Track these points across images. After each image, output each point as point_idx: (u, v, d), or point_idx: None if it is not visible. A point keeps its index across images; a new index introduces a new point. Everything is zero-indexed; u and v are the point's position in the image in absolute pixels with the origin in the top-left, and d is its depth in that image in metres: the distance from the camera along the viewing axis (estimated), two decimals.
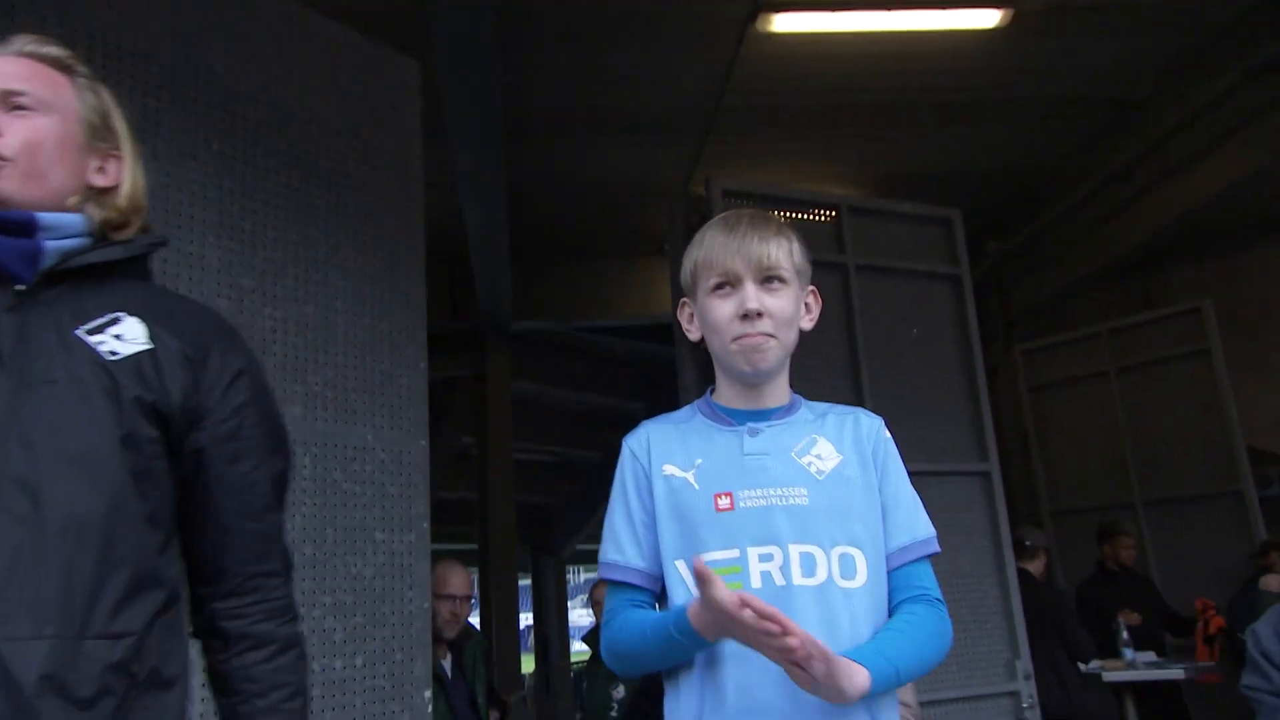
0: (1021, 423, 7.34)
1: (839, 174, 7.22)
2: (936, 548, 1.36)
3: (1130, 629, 4.62)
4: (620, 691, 4.18)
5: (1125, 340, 6.62)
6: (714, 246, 1.33)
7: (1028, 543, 4.48)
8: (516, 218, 6.81)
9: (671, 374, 3.85)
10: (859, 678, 1.14)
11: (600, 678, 4.23)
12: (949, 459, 3.96)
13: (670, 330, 4.08)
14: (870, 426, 1.37)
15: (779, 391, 1.36)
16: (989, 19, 5.24)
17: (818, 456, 1.29)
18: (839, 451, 1.31)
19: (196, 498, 1.17)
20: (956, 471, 3.96)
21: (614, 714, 4.19)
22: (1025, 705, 3.57)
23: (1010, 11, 5.20)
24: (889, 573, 1.30)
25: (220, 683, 1.18)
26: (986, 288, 8.39)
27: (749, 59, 5.54)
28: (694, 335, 1.38)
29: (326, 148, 2.73)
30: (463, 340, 8.13)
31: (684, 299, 1.41)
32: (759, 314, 1.29)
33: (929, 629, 1.28)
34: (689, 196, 4.20)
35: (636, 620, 1.26)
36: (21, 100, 1.16)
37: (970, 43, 5.51)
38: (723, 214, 1.40)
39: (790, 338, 1.34)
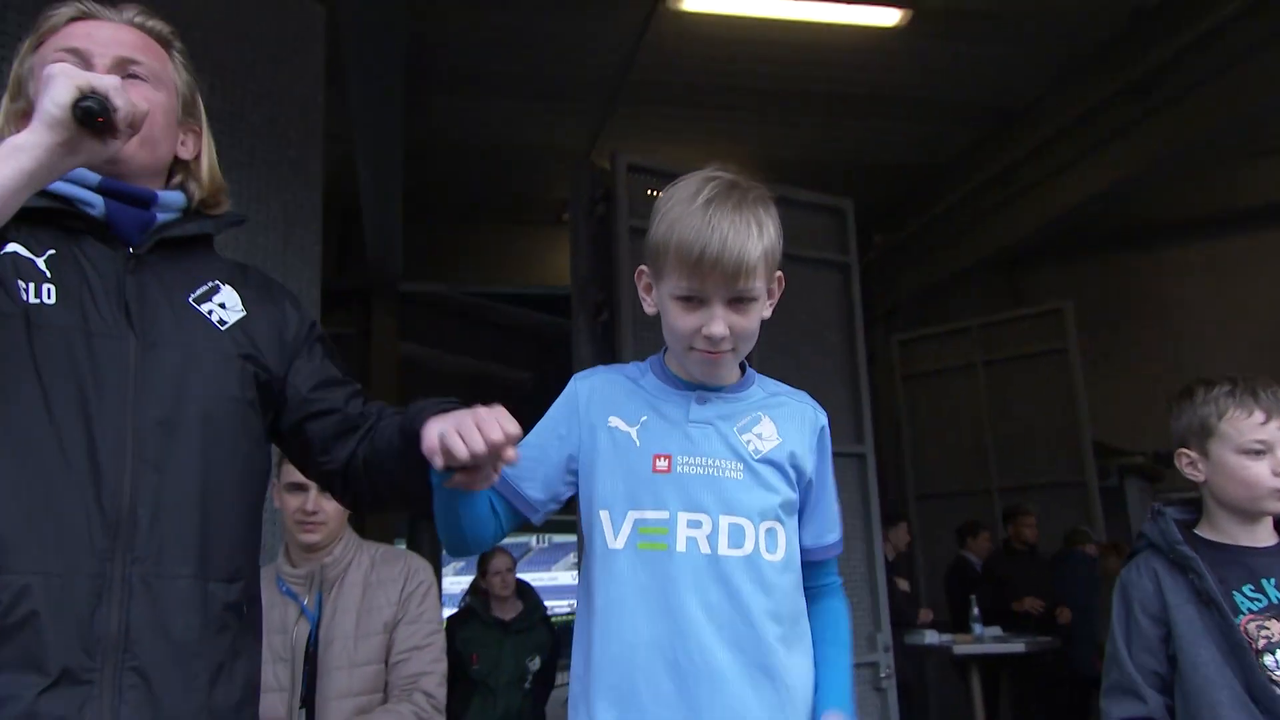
0: (894, 409, 7.68)
1: (739, 156, 7.34)
2: (840, 549, 1.41)
3: (1024, 610, 4.95)
4: (535, 664, 4.18)
5: (992, 335, 7.01)
6: (687, 247, 1.20)
7: None
8: (414, 175, 6.65)
9: (565, 346, 3.86)
10: None
11: (508, 650, 4.14)
12: (833, 440, 4.13)
13: (567, 302, 4.08)
14: (816, 420, 1.37)
15: (729, 372, 1.34)
16: (889, 18, 5.42)
17: (758, 435, 1.30)
18: (780, 435, 1.31)
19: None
20: (837, 453, 4.11)
21: (528, 686, 4.17)
22: (883, 675, 3.78)
23: (909, 13, 5.39)
24: (808, 561, 1.35)
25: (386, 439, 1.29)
26: (870, 278, 8.70)
27: (658, 34, 5.56)
28: (649, 309, 1.33)
29: (222, 88, 2.61)
30: (349, 297, 7.92)
31: (644, 268, 1.31)
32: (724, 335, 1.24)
33: (848, 629, 1.38)
34: (592, 168, 4.19)
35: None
36: (137, 70, 1.23)
37: (871, 40, 5.68)
38: (702, 185, 1.24)
39: (750, 345, 1.29)
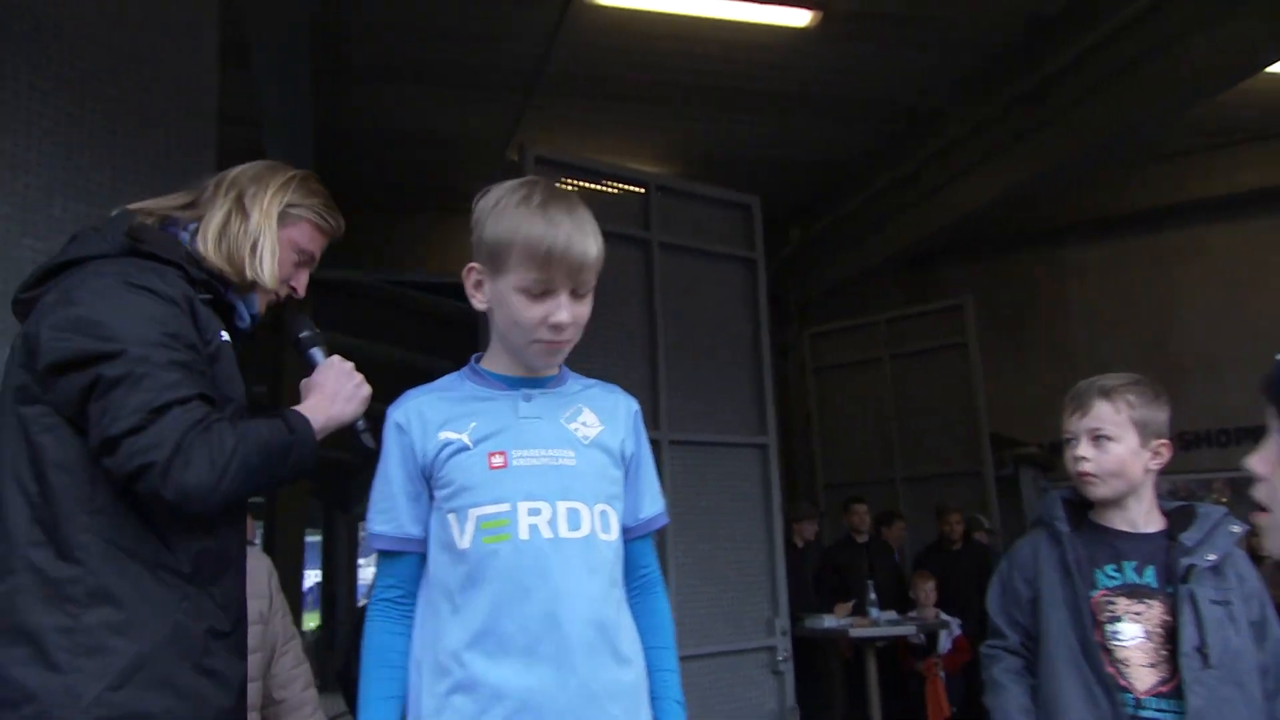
0: (806, 401, 7.87)
1: (653, 150, 7.40)
2: (666, 520, 1.51)
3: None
4: None
5: (898, 330, 7.24)
6: (535, 243, 1.28)
7: None
8: (328, 163, 6.53)
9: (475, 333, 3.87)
10: None
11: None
12: (733, 431, 4.23)
13: None
14: (629, 407, 1.46)
15: (561, 360, 1.43)
16: (800, 18, 5.53)
17: (583, 424, 1.38)
18: (602, 422, 1.41)
19: None
20: (738, 443, 4.23)
21: None
22: (780, 658, 3.91)
23: (819, 14, 5.51)
24: (629, 542, 1.43)
25: None
26: (786, 273, 8.90)
27: (575, 27, 5.58)
28: (481, 305, 1.37)
29: (108, 72, 2.54)
30: None
31: (475, 266, 1.36)
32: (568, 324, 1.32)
33: (672, 628, 1.47)
34: (505, 162, 4.20)
35: (374, 674, 1.32)
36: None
37: (783, 39, 5.79)
38: (530, 189, 1.33)
39: (579, 334, 1.38)
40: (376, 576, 1.39)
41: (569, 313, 1.32)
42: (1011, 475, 7.11)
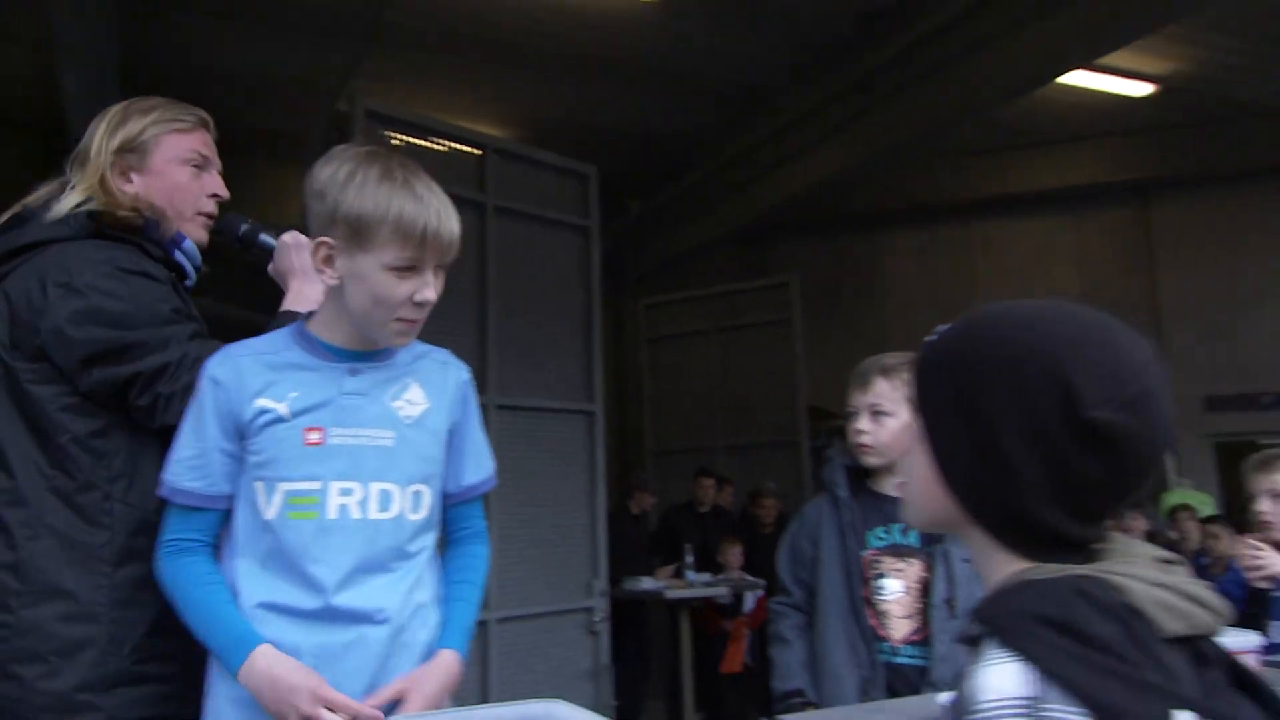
0: (640, 370, 8.05)
1: (494, 113, 7.31)
2: (495, 482, 1.53)
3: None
4: None
5: (728, 304, 7.51)
6: (408, 222, 1.26)
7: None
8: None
9: None
10: (451, 673, 1.35)
11: None
12: (561, 397, 4.30)
13: None
14: (459, 378, 1.45)
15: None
16: None
17: (408, 401, 1.38)
18: (428, 398, 1.39)
19: None
20: (566, 410, 4.31)
21: None
22: (597, 619, 4.05)
23: None
24: (452, 506, 1.46)
25: None
26: (626, 243, 9.02)
27: None
28: (330, 280, 1.31)
29: None
30: None
31: (326, 240, 1.30)
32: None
33: (483, 570, 1.49)
34: (335, 112, 4.04)
35: (202, 592, 1.29)
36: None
37: (631, 11, 5.83)
38: (386, 163, 1.30)
39: None
40: (169, 527, 1.33)
41: (435, 290, 1.32)
42: (825, 446, 7.55)
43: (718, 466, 6.91)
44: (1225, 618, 0.76)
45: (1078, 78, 6.64)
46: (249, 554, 1.31)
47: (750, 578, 5.27)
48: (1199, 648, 0.74)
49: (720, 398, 7.36)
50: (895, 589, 1.90)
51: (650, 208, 8.85)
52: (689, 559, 5.33)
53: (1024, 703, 0.66)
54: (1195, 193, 8.34)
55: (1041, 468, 0.75)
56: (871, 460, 1.99)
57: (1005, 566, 0.78)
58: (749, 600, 5.22)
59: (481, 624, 3.67)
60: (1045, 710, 0.65)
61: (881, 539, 1.96)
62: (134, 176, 1.54)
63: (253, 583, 1.30)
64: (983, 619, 0.73)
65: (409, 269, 1.28)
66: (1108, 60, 6.38)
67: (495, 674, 3.69)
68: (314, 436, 1.30)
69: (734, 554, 5.30)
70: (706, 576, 5.25)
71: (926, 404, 0.84)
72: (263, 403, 1.31)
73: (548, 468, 4.18)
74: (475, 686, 3.62)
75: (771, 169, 7.49)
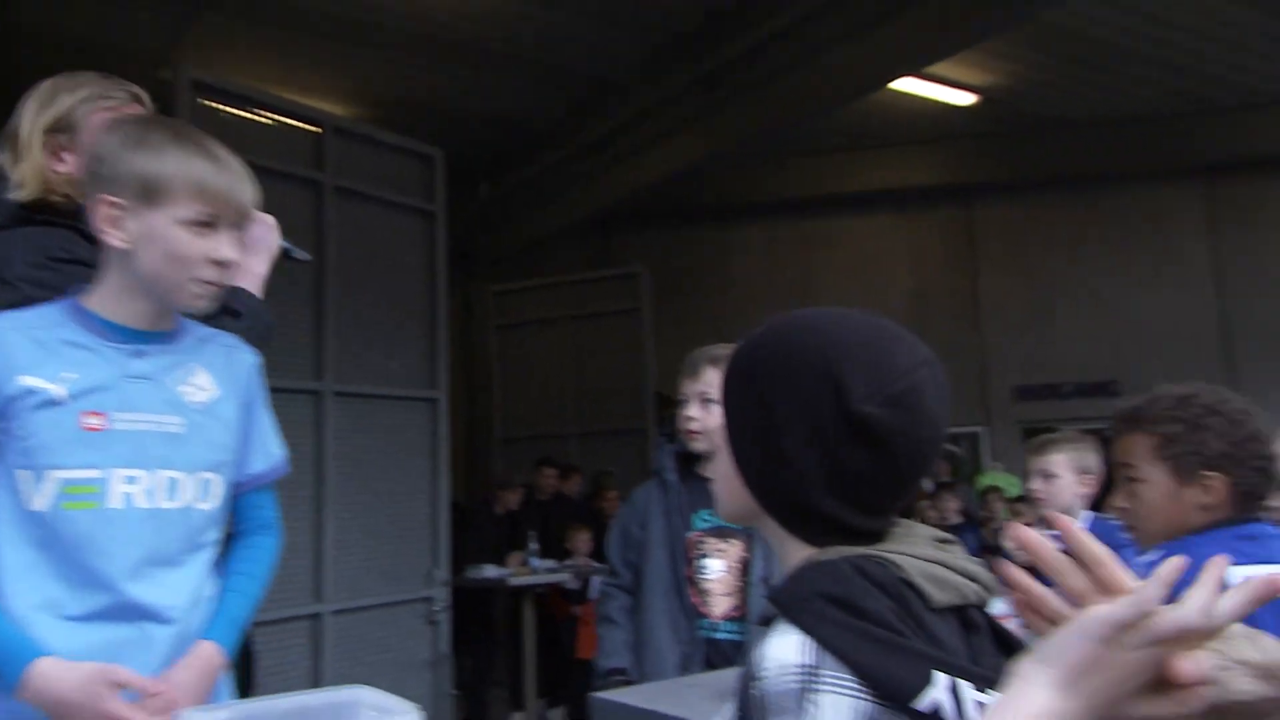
0: (489, 358, 7.98)
1: (340, 89, 7.06)
2: (286, 470, 1.48)
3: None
4: None
5: (579, 292, 7.54)
6: (204, 175, 1.24)
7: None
8: None
9: None
10: (210, 666, 1.27)
11: None
12: (402, 384, 4.20)
13: None
14: (246, 362, 1.42)
15: (173, 316, 1.34)
16: None
17: (196, 386, 1.33)
18: (216, 384, 1.35)
19: None
20: (407, 397, 4.22)
21: None
22: (436, 609, 4.00)
23: None
24: (240, 496, 1.40)
25: None
26: (477, 228, 8.91)
27: None
28: (119, 242, 1.24)
29: None
30: None
31: (109, 198, 1.23)
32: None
33: (266, 562, 1.44)
34: (157, 81, 3.79)
35: None
36: None
37: None
38: (177, 126, 1.31)
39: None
40: None
41: (234, 249, 1.28)
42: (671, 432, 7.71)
43: (567, 454, 6.95)
44: (995, 589, 0.84)
45: (910, 85, 7.05)
46: (16, 549, 1.21)
47: (597, 564, 5.34)
48: (968, 617, 0.82)
49: (570, 386, 7.39)
50: (717, 568, 1.99)
51: (502, 192, 8.78)
52: (533, 546, 5.35)
53: (801, 670, 0.72)
54: (1011, 198, 9.02)
55: (816, 459, 0.81)
56: (699, 445, 2.07)
57: (797, 553, 0.84)
58: (595, 586, 5.29)
59: (314, 617, 3.56)
60: (820, 677, 0.72)
61: (706, 521, 2.04)
62: (65, 156, 1.46)
63: (23, 582, 1.20)
64: (773, 599, 0.79)
65: (206, 224, 1.24)
66: (936, 70, 6.80)
67: (330, 667, 3.59)
68: (94, 421, 1.23)
69: (582, 540, 5.35)
70: (551, 563, 5.28)
71: (728, 404, 0.89)
72: (29, 381, 1.21)
73: (387, 456, 4.08)
74: (307, 681, 3.51)
75: (622, 159, 7.58)
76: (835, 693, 0.71)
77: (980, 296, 9.12)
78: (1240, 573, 1.31)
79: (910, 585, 0.78)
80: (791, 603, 0.77)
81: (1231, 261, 8.58)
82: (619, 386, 7.21)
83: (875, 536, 0.83)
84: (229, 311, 1.44)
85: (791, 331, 0.86)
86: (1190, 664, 0.58)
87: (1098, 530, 2.50)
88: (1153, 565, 1.40)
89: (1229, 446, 1.37)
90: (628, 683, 1.93)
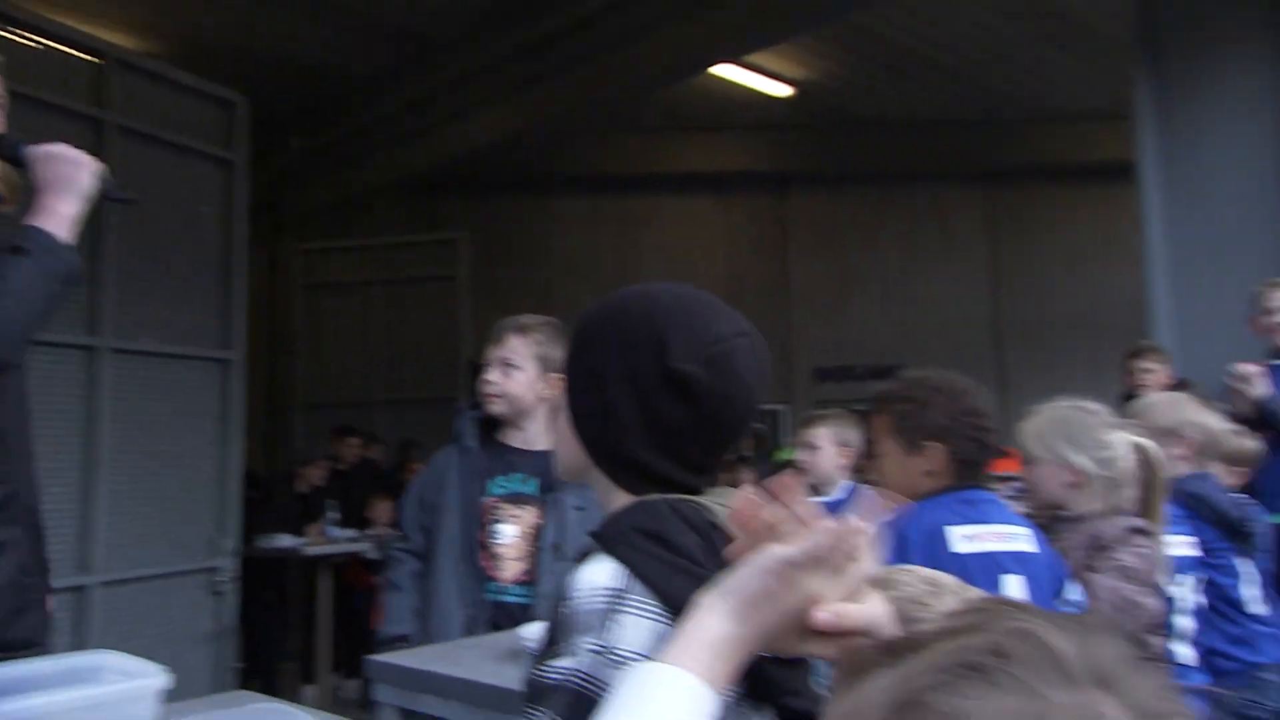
0: (294, 319, 7.62)
1: (138, 21, 6.48)
2: None
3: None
4: None
5: (395, 256, 7.32)
6: None
7: None
8: None
9: None
10: None
11: None
12: (192, 343, 3.95)
13: None
14: None
15: None
16: None
17: None
18: None
19: None
20: (197, 356, 3.96)
21: None
22: (221, 580, 3.80)
23: None
24: None
25: None
26: (285, 182, 8.44)
27: None
28: None
29: None
30: None
31: None
32: None
33: None
34: None
35: None
36: None
37: None
38: None
39: None
40: None
41: None
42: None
43: (373, 423, 6.76)
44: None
45: (731, 72, 7.27)
46: None
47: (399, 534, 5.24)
48: None
49: (381, 352, 7.18)
50: (510, 533, 2.01)
51: (315, 146, 8.34)
52: (332, 515, 5.18)
53: (610, 592, 0.79)
54: (820, 188, 9.52)
55: (639, 413, 0.88)
56: (498, 409, 2.09)
57: (620, 503, 0.90)
58: None
59: (78, 589, 3.30)
60: (625, 600, 0.78)
61: (503, 487, 2.06)
62: None
63: None
64: (592, 533, 0.86)
65: None
66: (756, 59, 7.05)
67: (98, 642, 3.34)
68: None
69: (383, 510, 5.23)
70: (351, 533, 5.13)
71: (568, 366, 0.96)
72: None
73: (173, 419, 3.82)
74: None
75: (446, 121, 7.39)
76: (637, 615, 0.77)
77: (789, 281, 9.58)
78: (960, 532, 1.51)
79: (718, 528, 0.85)
80: (610, 535, 0.83)
81: (1005, 260, 9.45)
82: (432, 354, 7.08)
83: (693, 491, 0.90)
84: (14, 249, 1.32)
85: (626, 299, 0.93)
86: (823, 613, 0.64)
87: (854, 497, 2.78)
88: (890, 525, 1.56)
89: (948, 420, 1.54)
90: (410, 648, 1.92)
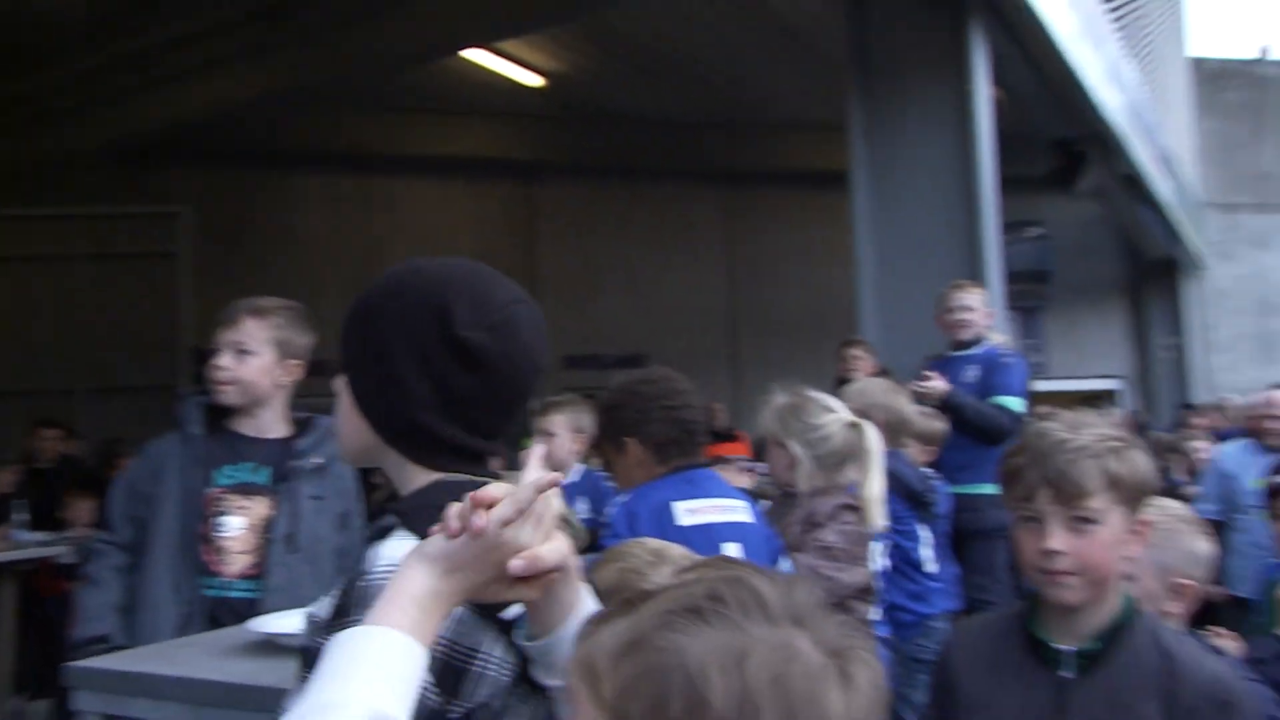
0: None
1: None
2: None
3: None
4: None
5: (101, 228, 6.60)
6: None
7: None
8: None
9: None
10: None
11: None
12: None
13: None
14: None
15: None
16: None
17: None
18: None
19: None
20: None
21: None
22: None
23: None
24: None
25: None
26: None
27: None
28: None
29: None
30: None
31: None
32: None
33: None
34: None
35: None
36: None
37: None
38: None
39: None
40: None
41: None
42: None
43: (74, 413, 6.04)
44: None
45: (482, 57, 7.19)
46: None
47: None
48: None
49: (85, 334, 6.44)
50: (237, 525, 1.89)
51: (7, 97, 7.26)
52: (20, 516, 4.58)
53: None
54: (571, 179, 9.69)
55: (426, 382, 0.88)
56: (229, 397, 1.96)
57: (416, 479, 0.91)
58: None
59: None
60: None
61: (231, 477, 1.94)
62: None
63: None
64: (395, 509, 0.87)
65: None
66: (508, 48, 7.03)
67: None
68: None
69: (83, 509, 4.68)
70: (42, 535, 4.56)
71: (346, 346, 0.94)
72: None
73: None
74: None
75: (164, 82, 6.72)
76: None
77: (538, 269, 9.66)
78: (683, 506, 1.64)
79: None
80: (410, 512, 0.85)
81: (739, 257, 10.14)
82: (147, 338, 6.45)
83: (484, 457, 0.92)
84: None
85: (403, 273, 0.94)
86: (518, 561, 0.71)
87: (587, 480, 2.92)
88: (620, 505, 1.67)
89: (637, 414, 1.70)
90: (111, 650, 1.76)
